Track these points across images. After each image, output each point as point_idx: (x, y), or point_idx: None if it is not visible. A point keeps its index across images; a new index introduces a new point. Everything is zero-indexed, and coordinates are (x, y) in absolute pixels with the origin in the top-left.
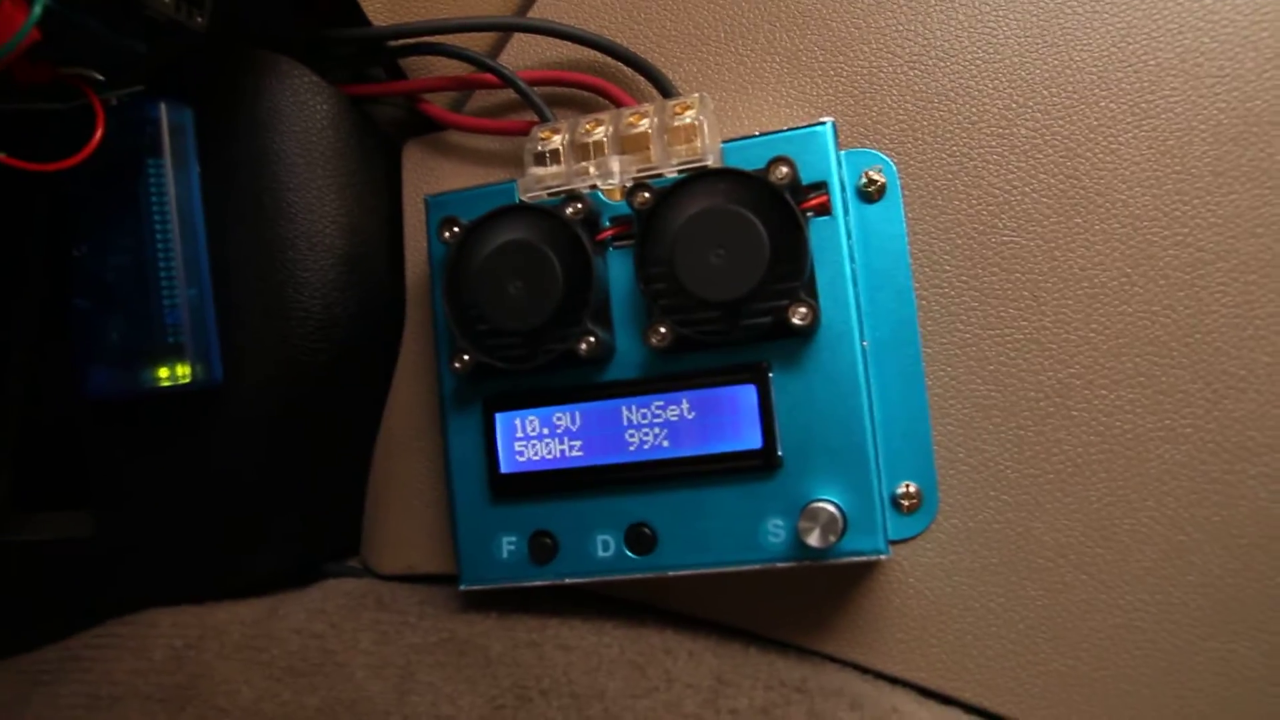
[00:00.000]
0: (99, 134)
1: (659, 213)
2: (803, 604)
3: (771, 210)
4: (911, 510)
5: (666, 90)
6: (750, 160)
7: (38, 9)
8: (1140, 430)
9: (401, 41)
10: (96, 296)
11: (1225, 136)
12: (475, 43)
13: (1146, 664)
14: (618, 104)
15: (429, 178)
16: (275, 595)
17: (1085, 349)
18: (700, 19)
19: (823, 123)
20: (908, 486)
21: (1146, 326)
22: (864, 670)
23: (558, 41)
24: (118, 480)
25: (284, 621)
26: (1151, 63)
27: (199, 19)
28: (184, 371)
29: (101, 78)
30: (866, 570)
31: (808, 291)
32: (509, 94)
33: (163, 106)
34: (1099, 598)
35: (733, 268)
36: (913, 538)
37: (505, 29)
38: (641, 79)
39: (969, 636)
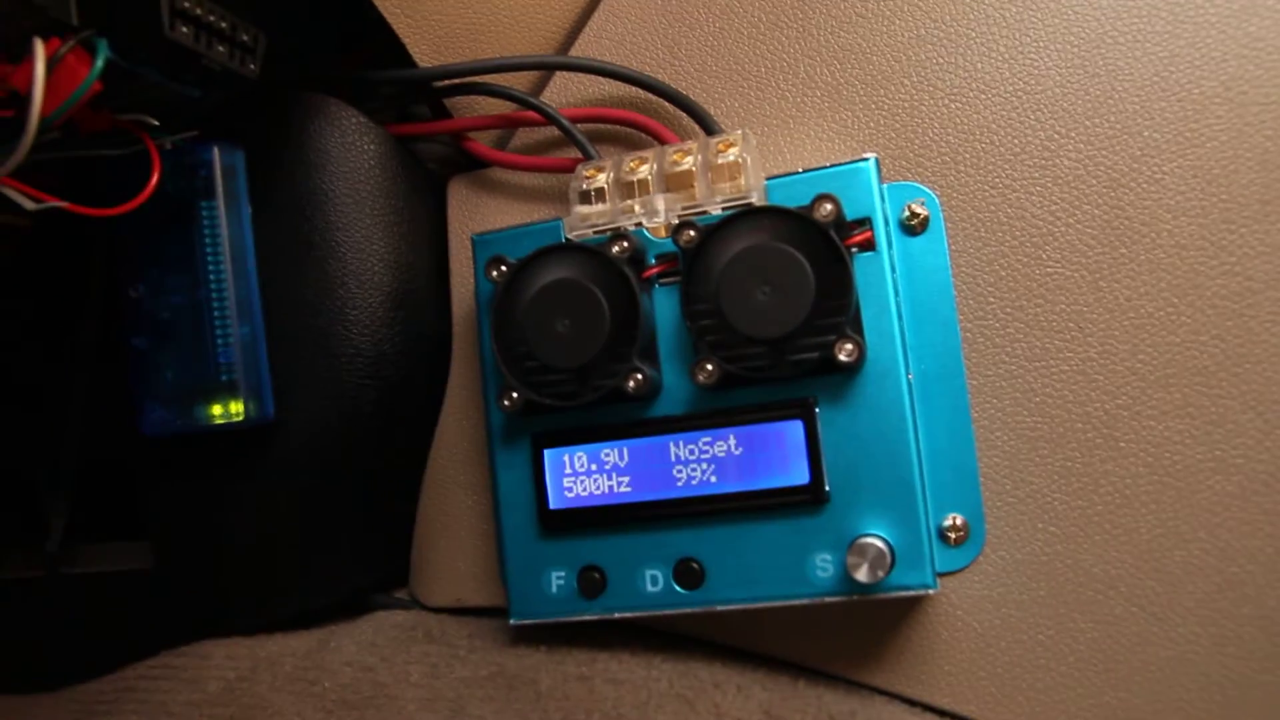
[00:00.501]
0: (155, 178)
1: (704, 250)
2: (850, 637)
3: (816, 247)
4: (959, 543)
5: (709, 127)
6: (794, 197)
7: (100, 62)
8: (1190, 461)
9: (447, 82)
10: (153, 335)
11: (1272, 164)
12: (518, 81)
13: (1201, 698)
14: (661, 141)
15: (474, 215)
16: (325, 627)
17: (1132, 380)
18: (741, 55)
19: (865, 159)
20: (954, 519)
21: (1194, 356)
22: (913, 703)
23: (600, 79)
24: (173, 514)
25: (335, 654)
26: (1195, 91)
27: (252, 66)
28: (237, 409)
29: (157, 123)
30: (914, 603)
31: (853, 327)
32: (552, 131)
33: (215, 150)
34: (1151, 630)
35: (778, 305)
36: (960, 570)
37: (548, 68)
38: (684, 115)
39: (1018, 669)
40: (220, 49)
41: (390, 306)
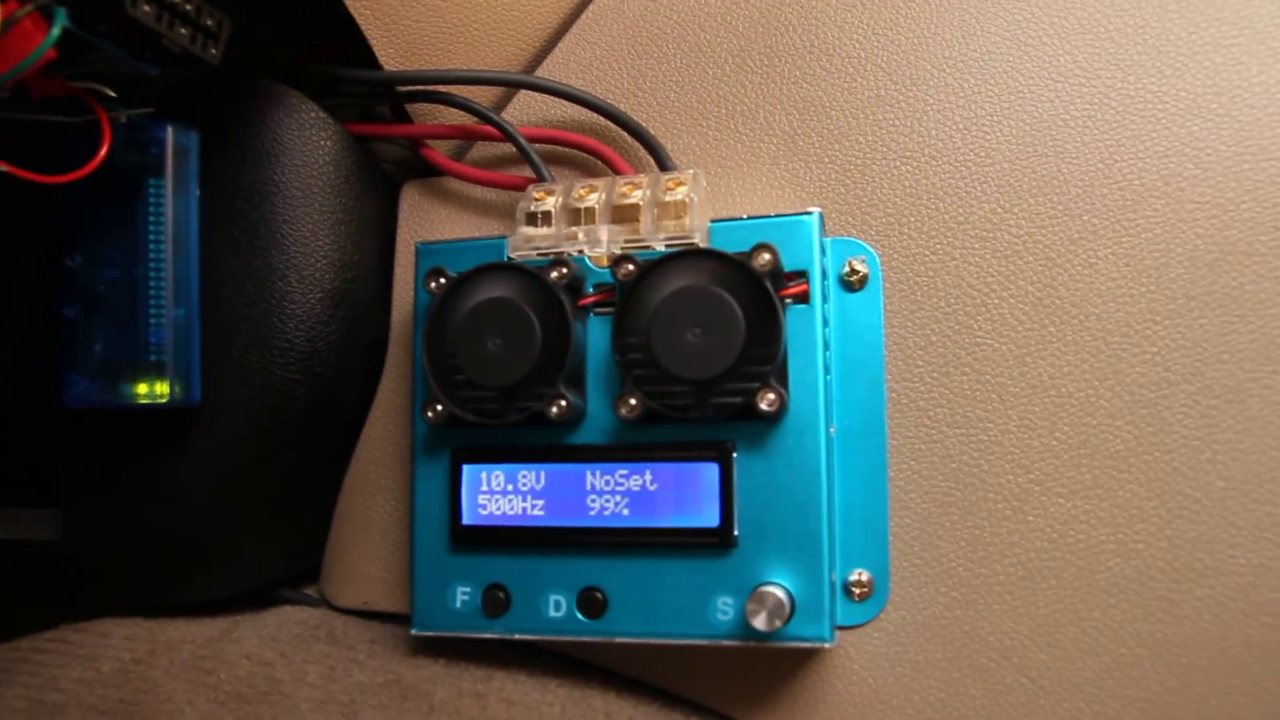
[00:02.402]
0: (105, 149)
1: (641, 285)
2: (747, 681)
3: (750, 295)
4: (862, 598)
5: (663, 162)
6: (736, 242)
7: (56, 30)
8: (1093, 541)
9: (410, 88)
10: (85, 307)
11: (1201, 262)
12: (482, 95)
13: None
14: (615, 170)
15: (424, 221)
16: (230, 617)
17: (1047, 456)
18: (704, 94)
19: (810, 212)
20: (860, 574)
21: (1108, 440)
22: None
23: (562, 102)
24: (87, 489)
25: (235, 645)
26: (1135, 183)
27: (214, 51)
28: (163, 390)
29: (113, 94)
30: (812, 653)
31: (778, 378)
32: (510, 148)
33: (170, 129)
34: (1038, 703)
35: (707, 347)
36: (861, 625)
37: (512, 85)
38: (641, 148)
39: None
40: (182, 31)
41: (329, 304)
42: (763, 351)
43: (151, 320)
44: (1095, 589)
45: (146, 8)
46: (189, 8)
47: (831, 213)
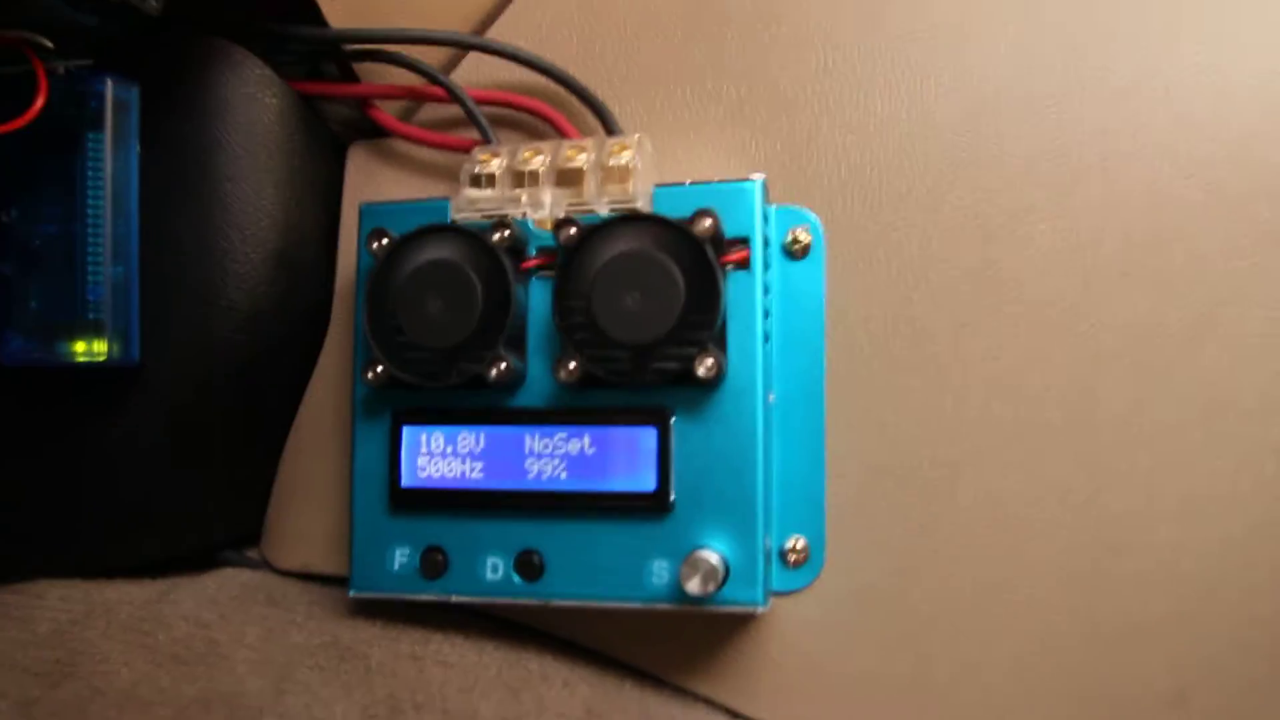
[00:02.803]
0: (40, 101)
1: (583, 249)
2: (682, 644)
3: (691, 260)
4: (798, 564)
5: (610, 126)
6: (679, 208)
7: None
8: (1023, 515)
9: (357, 46)
10: (21, 263)
11: (1134, 241)
12: (431, 56)
13: None
14: (562, 133)
15: (371, 182)
16: (169, 579)
17: (980, 429)
18: (653, 60)
19: (752, 179)
20: (796, 541)
21: (1040, 414)
22: (734, 715)
23: (512, 65)
24: (24, 448)
25: (174, 606)
26: (1075, 160)
27: (153, 2)
28: (101, 348)
29: (50, 45)
30: (747, 618)
31: (717, 344)
32: (458, 110)
33: (109, 82)
34: (964, 674)
35: (647, 312)
36: (796, 591)
37: (461, 46)
38: (589, 112)
39: (837, 694)
40: None
41: (272, 264)
42: (702, 317)
43: (89, 277)
44: (1024, 561)
45: None
46: None
47: (777, 181)
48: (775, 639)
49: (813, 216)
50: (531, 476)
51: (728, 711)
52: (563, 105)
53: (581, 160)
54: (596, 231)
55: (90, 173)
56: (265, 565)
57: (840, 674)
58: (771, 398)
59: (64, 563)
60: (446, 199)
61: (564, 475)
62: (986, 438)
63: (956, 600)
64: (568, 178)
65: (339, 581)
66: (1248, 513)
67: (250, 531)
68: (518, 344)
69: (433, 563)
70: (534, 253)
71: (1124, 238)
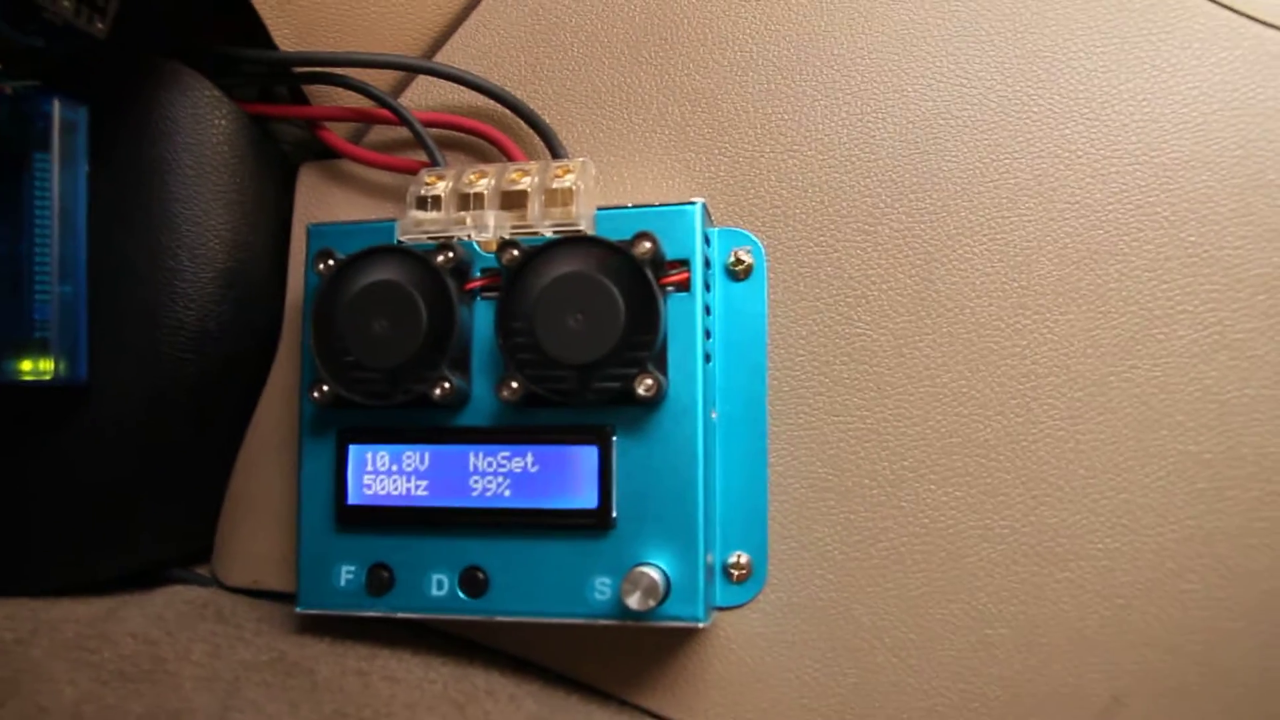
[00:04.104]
0: None
1: (526, 271)
2: (627, 659)
3: (631, 282)
4: (741, 580)
5: (555, 149)
6: (620, 230)
7: None
8: (961, 527)
9: (306, 69)
10: None
11: (1069, 259)
12: (381, 79)
13: None
14: (509, 156)
15: (321, 204)
16: (117, 596)
17: (920, 444)
18: (599, 83)
19: (692, 203)
20: (739, 556)
21: (979, 429)
22: None
23: (460, 88)
24: None
25: (121, 624)
26: (1010, 181)
27: (100, 25)
28: (47, 367)
29: None
30: (690, 633)
31: (657, 364)
32: (406, 132)
33: (56, 103)
34: (907, 681)
35: (588, 333)
36: (739, 606)
37: (409, 69)
38: (536, 135)
39: (782, 705)
40: (65, 3)
41: (221, 284)
42: (642, 338)
43: (36, 296)
44: (963, 572)
45: None
46: None
47: (719, 203)
48: (720, 653)
49: (754, 238)
50: (476, 494)
51: None
52: (509, 128)
53: (526, 183)
54: (539, 254)
55: (37, 192)
56: (215, 583)
57: (784, 686)
58: (714, 416)
59: (10, 582)
60: (394, 220)
61: (508, 493)
62: (926, 453)
63: (898, 612)
64: (512, 200)
65: (288, 598)
66: (1180, 523)
67: (200, 549)
68: (462, 364)
69: (378, 579)
70: (478, 274)
71: (1058, 256)
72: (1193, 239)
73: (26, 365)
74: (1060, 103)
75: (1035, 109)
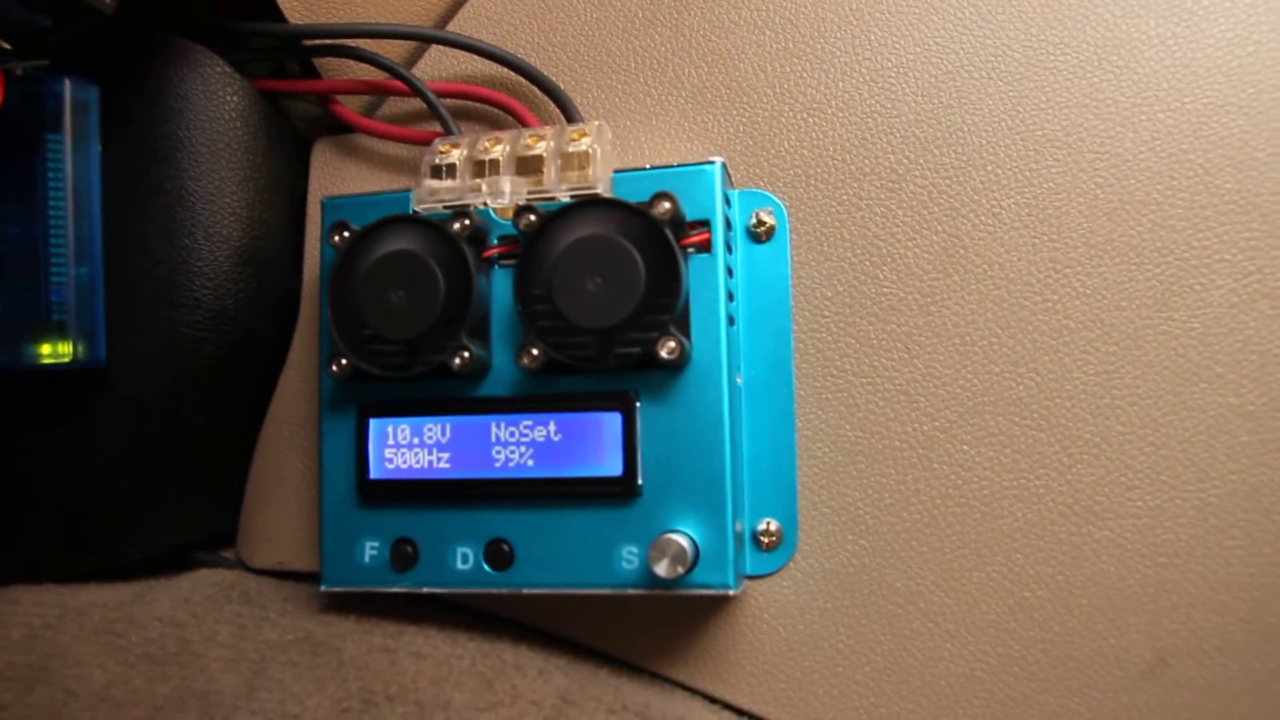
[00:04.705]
0: None
1: (543, 236)
2: (656, 630)
3: (651, 244)
4: (771, 547)
5: (570, 115)
6: (638, 192)
7: None
8: (996, 487)
9: (317, 41)
10: None
11: (1100, 211)
12: (393, 50)
13: (983, 713)
14: (523, 123)
15: (336, 178)
16: (144, 581)
17: (952, 404)
18: (613, 48)
19: (711, 162)
20: (769, 524)
21: (1011, 387)
22: (711, 700)
23: (472, 56)
24: None
25: (148, 608)
26: (1038, 133)
27: (108, 0)
28: (66, 350)
29: (7, 46)
30: (721, 602)
31: (679, 327)
32: (420, 103)
33: (67, 82)
34: (944, 646)
35: (608, 297)
36: (770, 574)
37: (421, 39)
38: (550, 101)
39: (816, 675)
40: None
41: (237, 261)
42: (663, 300)
43: (53, 279)
44: (998, 533)
45: None
46: None
47: (739, 165)
48: (751, 623)
49: (776, 199)
50: (499, 465)
51: (705, 696)
52: (523, 95)
53: (541, 148)
54: (556, 218)
55: (50, 174)
56: (241, 565)
57: (818, 655)
58: (739, 380)
59: (36, 568)
60: (408, 191)
61: (531, 463)
62: (958, 412)
63: (932, 576)
64: (527, 166)
65: (314, 578)
66: (1223, 479)
67: (225, 531)
68: (481, 333)
69: (403, 555)
70: (495, 241)
71: (1089, 208)
72: (1229, 185)
73: (45, 349)
74: (1088, 50)
75: (1062, 58)
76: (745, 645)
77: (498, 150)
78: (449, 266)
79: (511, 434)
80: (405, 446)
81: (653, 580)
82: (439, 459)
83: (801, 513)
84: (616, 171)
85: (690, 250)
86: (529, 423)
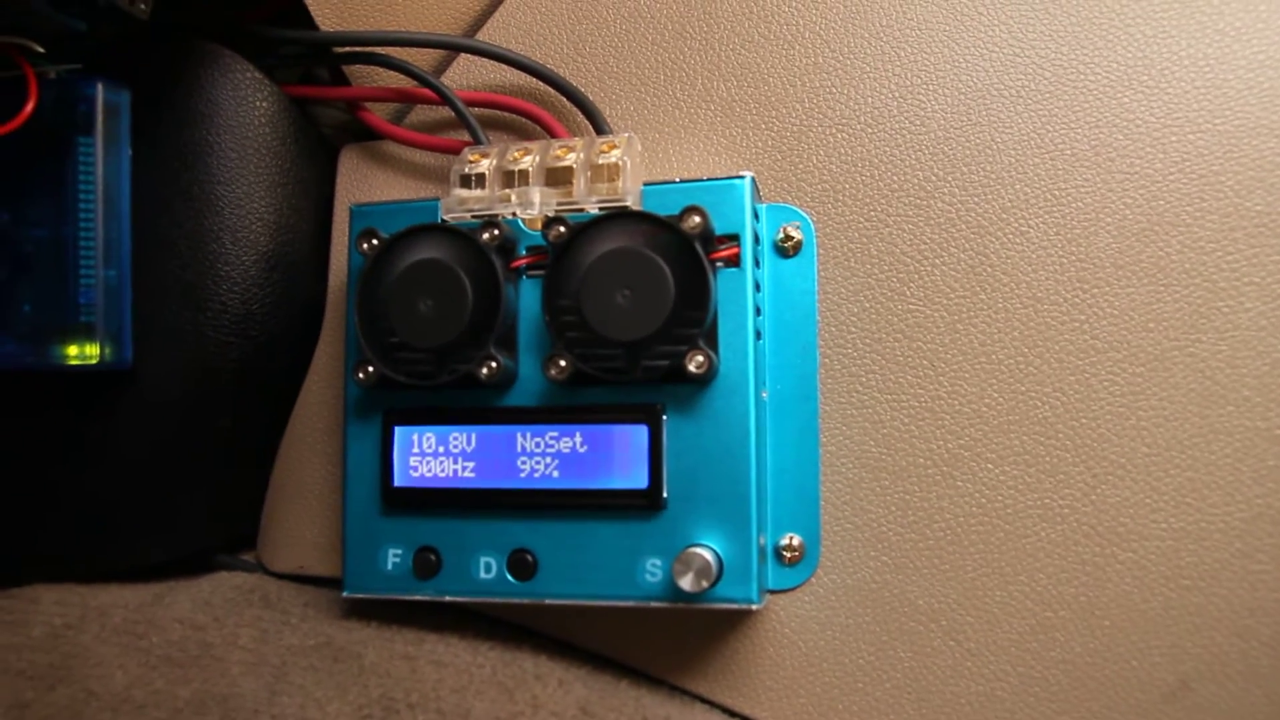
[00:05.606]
0: (31, 105)
1: (572, 247)
2: (678, 643)
3: (680, 257)
4: (793, 562)
5: (600, 126)
6: (668, 205)
7: None
8: (1020, 506)
9: (347, 49)
10: (12, 267)
11: (1129, 231)
12: (422, 58)
13: None
14: (552, 134)
15: (363, 185)
16: (165, 582)
17: (976, 422)
18: (643, 60)
19: (742, 176)
20: (792, 539)
21: (1036, 406)
22: (731, 714)
23: (502, 66)
24: (16, 451)
25: (169, 610)
26: (1066, 152)
27: (143, 6)
28: (93, 351)
29: (41, 50)
30: (743, 616)
31: (708, 340)
32: (449, 112)
33: (99, 86)
34: (965, 665)
35: (637, 309)
36: (792, 589)
37: (451, 48)
38: (579, 112)
39: (837, 691)
40: None
41: (264, 267)
42: (692, 314)
43: (81, 281)
44: (1021, 553)
45: None
46: None
47: (767, 179)
48: (772, 637)
49: (804, 214)
50: (524, 475)
51: (725, 710)
52: (552, 106)
53: (571, 159)
54: (585, 230)
55: (81, 176)
56: (261, 568)
57: (839, 671)
58: (765, 395)
59: (59, 568)
60: (437, 199)
61: (556, 474)
62: (982, 431)
63: (955, 594)
64: (557, 177)
65: (335, 583)
66: (1248, 502)
67: (246, 534)
68: (508, 343)
69: (426, 563)
70: (524, 252)
71: (1118, 229)
72: (1259, 208)
73: (73, 350)
74: (1118, 70)
75: (1092, 77)
76: (766, 660)
77: (527, 161)
78: (477, 276)
79: (537, 444)
80: (430, 455)
81: (676, 593)
82: (464, 468)
83: (825, 528)
84: (646, 184)
85: (719, 264)
86: (555, 434)
